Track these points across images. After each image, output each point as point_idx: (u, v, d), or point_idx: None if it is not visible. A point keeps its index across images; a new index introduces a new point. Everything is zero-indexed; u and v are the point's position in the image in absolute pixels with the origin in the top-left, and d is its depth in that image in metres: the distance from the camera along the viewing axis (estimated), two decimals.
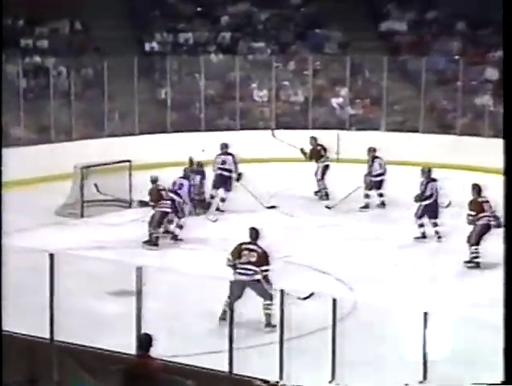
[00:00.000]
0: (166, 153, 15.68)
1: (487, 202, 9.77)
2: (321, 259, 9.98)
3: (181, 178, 11.36)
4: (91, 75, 16.72)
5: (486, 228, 9.66)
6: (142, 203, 11.13)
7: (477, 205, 9.77)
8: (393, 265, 9.94)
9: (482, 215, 9.69)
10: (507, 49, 3.78)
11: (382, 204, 12.59)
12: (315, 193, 13.41)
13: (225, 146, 12.75)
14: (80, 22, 17.86)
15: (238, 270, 7.69)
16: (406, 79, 17.66)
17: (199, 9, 19.02)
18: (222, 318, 7.49)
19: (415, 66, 17.18)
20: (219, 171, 12.52)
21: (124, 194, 12.62)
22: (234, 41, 18.70)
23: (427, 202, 10.77)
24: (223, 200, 12.53)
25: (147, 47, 18.23)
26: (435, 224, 10.85)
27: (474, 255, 9.72)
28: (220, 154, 12.64)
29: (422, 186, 10.85)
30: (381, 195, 12.64)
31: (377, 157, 12.81)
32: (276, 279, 8.22)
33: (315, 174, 13.36)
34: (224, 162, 12.54)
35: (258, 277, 7.62)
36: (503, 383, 3.85)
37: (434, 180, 10.89)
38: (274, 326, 7.13)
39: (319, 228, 11.65)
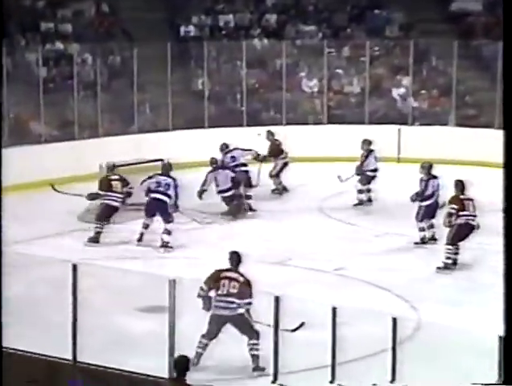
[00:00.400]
0: (202, 151, 15.79)
1: (470, 200, 10.00)
2: (378, 272, 9.94)
3: (166, 176, 11.37)
4: (119, 63, 16.95)
5: (467, 229, 9.88)
6: (91, 196, 11.43)
7: (458, 202, 9.86)
8: (460, 280, 9.84)
9: (462, 213, 9.84)
10: (507, 46, 3.99)
11: (370, 200, 13.07)
12: (273, 191, 13.96)
13: (225, 147, 13.26)
14: (107, 3, 18.15)
15: (217, 303, 7.24)
16: (480, 67, 17.46)
17: None
18: (196, 363, 7.05)
19: (490, 52, 16.94)
20: (233, 171, 12.71)
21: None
22: (281, 24, 18.76)
23: (428, 202, 10.87)
24: (249, 197, 12.81)
25: (182, 31, 18.42)
26: (431, 226, 10.99)
27: (448, 256, 9.95)
28: (226, 153, 13.10)
29: (422, 185, 10.99)
30: (369, 191, 13.12)
31: (372, 150, 13.14)
32: (328, 295, 8.22)
33: (271, 171, 13.90)
34: (234, 159, 13.02)
35: (241, 310, 7.17)
36: (503, 383, 3.95)
37: (435, 177, 11.00)
38: (263, 370, 6.96)
39: (375, 237, 11.61)
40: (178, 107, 16.71)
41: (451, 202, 10.01)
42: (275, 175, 14.03)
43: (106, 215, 11.29)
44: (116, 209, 11.35)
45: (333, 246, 11.10)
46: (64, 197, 12.90)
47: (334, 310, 6.15)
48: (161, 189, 11.22)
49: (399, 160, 14.85)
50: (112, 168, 11.59)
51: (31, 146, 14.70)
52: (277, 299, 6.30)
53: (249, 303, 7.22)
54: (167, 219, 11.08)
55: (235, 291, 7.21)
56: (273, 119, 17.45)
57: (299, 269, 10.11)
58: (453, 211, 9.89)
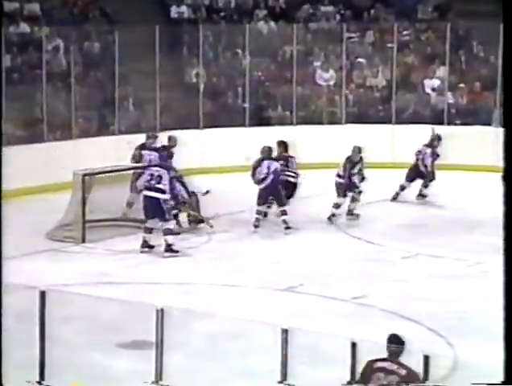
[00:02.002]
0: (197, 156, 15.88)
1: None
2: (405, 301, 9.98)
3: (158, 166, 11.82)
4: (97, 49, 17.06)
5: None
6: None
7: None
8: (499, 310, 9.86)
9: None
10: (507, 45, 4.22)
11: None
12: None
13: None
14: None
15: None
16: None
17: None
18: None
19: None
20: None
21: (139, 211, 12.83)
22: (291, 4, 18.87)
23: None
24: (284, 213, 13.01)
25: (173, 12, 18.56)
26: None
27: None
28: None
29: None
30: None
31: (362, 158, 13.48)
32: (346, 327, 8.26)
33: None
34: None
35: None
36: (503, 383, 4.27)
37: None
38: None
39: (402, 259, 11.66)
40: (167, 103, 16.80)
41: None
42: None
43: None
44: None
45: (352, 269, 11.15)
46: (29, 211, 12.99)
47: (354, 345, 6.20)
48: (153, 183, 11.41)
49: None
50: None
51: None
52: (285, 332, 6.34)
53: None
54: (163, 218, 11.20)
55: None
56: (281, 118, 17.53)
57: (312, 297, 10.16)
58: None
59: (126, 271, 11.11)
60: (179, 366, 7.04)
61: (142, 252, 11.66)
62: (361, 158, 13.40)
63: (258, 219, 12.82)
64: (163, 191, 11.52)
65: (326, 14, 18.71)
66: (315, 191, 14.68)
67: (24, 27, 16.54)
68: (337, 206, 13.28)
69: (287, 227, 12.76)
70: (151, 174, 11.73)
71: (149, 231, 11.72)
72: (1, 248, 5.23)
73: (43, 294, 6.74)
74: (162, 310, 6.55)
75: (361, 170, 13.35)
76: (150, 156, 13.08)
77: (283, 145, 13.50)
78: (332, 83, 17.88)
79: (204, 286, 10.57)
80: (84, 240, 12.22)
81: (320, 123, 17.39)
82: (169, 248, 11.53)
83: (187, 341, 8.03)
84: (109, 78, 16.37)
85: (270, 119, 17.49)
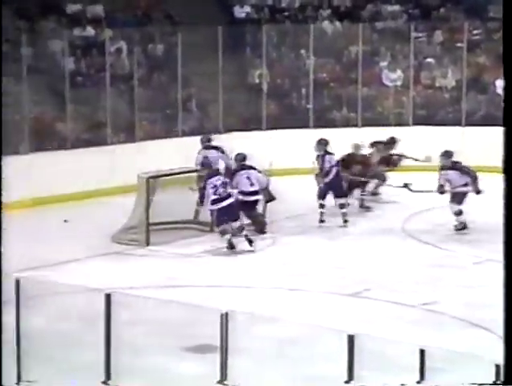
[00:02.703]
0: (260, 158, 15.90)
1: None
2: (476, 307, 9.89)
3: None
4: (160, 52, 17.24)
5: None
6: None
7: None
8: None
9: None
10: (507, 46, 4.21)
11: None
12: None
13: (207, 140, 13.78)
14: None
15: None
16: None
17: None
18: None
19: None
20: None
21: (202, 214, 12.95)
22: (357, 3, 18.83)
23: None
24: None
25: (237, 12, 18.66)
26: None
27: None
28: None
29: None
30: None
31: None
32: (414, 334, 8.21)
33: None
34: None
35: None
36: (503, 383, 4.30)
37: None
38: None
39: (474, 265, 11.56)
40: (230, 104, 16.90)
41: None
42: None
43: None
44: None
45: (420, 275, 11.09)
46: (94, 213, 13.18)
47: (422, 352, 6.18)
48: (221, 191, 12.21)
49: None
50: None
51: (55, 152, 15.01)
52: (351, 339, 6.35)
53: None
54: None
55: None
56: (346, 119, 17.51)
57: (379, 303, 10.12)
58: None
59: (190, 274, 11.23)
60: (243, 370, 7.09)
61: (231, 252, 12.01)
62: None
63: (322, 214, 13.17)
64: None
65: (392, 13, 18.63)
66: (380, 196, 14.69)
67: (88, 30, 16.75)
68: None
69: (345, 221, 13.14)
70: (214, 186, 12.02)
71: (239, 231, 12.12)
72: (1, 249, 5.28)
73: (108, 297, 6.84)
74: (226, 314, 6.61)
75: None
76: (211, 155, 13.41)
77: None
78: (399, 83, 17.79)
79: (269, 290, 10.61)
80: (148, 243, 12.36)
81: (387, 124, 17.30)
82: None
83: (252, 345, 8.07)
84: (172, 80, 16.53)
85: (334, 120, 17.48)
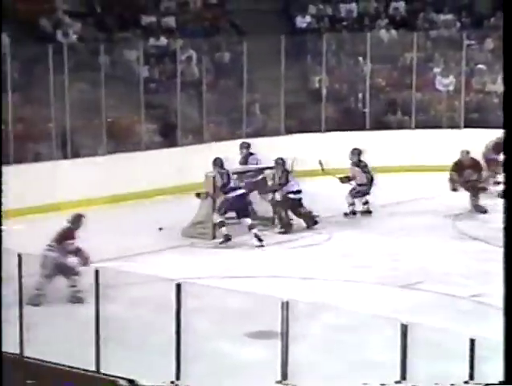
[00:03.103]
0: (318, 158, 15.91)
1: None
2: None
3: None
4: (227, 59, 17.33)
5: None
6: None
7: None
8: None
9: None
10: (507, 46, 4.28)
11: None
12: None
13: (246, 146, 13.81)
14: None
15: None
16: None
17: None
18: None
19: None
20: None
21: (265, 209, 13.03)
22: (412, 12, 18.71)
23: None
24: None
25: (298, 22, 18.68)
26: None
27: None
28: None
29: None
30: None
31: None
32: (464, 324, 8.16)
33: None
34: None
35: None
36: (503, 383, 4.23)
37: None
38: None
39: None
40: (292, 108, 16.92)
41: None
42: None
43: None
44: None
45: (470, 268, 11.00)
46: (165, 209, 13.33)
47: (472, 341, 6.15)
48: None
49: None
50: None
51: (130, 153, 15.18)
52: (404, 327, 6.34)
53: None
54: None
55: None
56: (400, 122, 17.40)
57: (430, 294, 10.08)
58: None
59: (253, 265, 11.30)
60: (303, 356, 7.12)
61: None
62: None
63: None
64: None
65: (446, 21, 18.45)
66: (433, 194, 14.56)
67: (161, 40, 16.92)
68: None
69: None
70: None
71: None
72: (0, 248, 5.30)
73: (178, 286, 6.92)
74: (287, 302, 6.65)
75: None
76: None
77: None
78: (451, 88, 17.63)
79: (327, 281, 10.63)
80: (214, 237, 12.45)
81: (439, 127, 17.16)
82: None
83: (311, 332, 8.11)
84: (237, 85, 16.60)
85: (389, 123, 17.38)
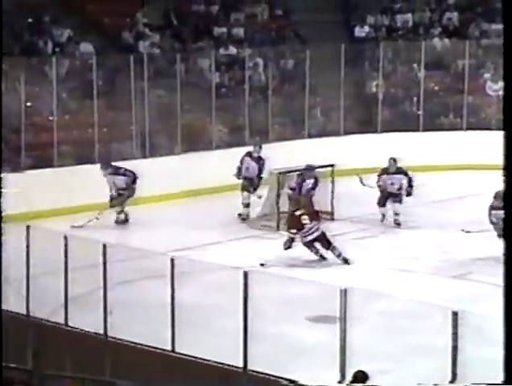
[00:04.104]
0: (375, 157, 15.82)
1: None
2: None
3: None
4: (291, 66, 17.32)
5: None
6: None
7: None
8: None
9: None
10: (507, 47, 3.94)
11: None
12: None
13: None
14: (280, 6, 18.59)
15: None
16: None
17: None
18: None
19: None
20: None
21: (325, 204, 12.99)
22: (464, 22, 18.42)
23: None
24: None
25: (357, 31, 18.54)
26: None
27: None
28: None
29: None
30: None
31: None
32: None
33: None
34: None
35: None
36: (503, 383, 3.97)
37: None
38: None
39: None
40: (350, 110, 16.84)
41: None
42: None
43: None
44: None
45: None
46: (234, 204, 13.41)
47: None
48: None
49: None
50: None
51: (202, 152, 15.27)
52: (455, 314, 6.27)
53: None
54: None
55: None
56: (452, 123, 17.18)
57: (480, 284, 9.92)
58: None
59: (314, 255, 11.27)
60: (361, 339, 7.10)
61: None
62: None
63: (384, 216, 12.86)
64: None
65: (497, 31, 18.11)
66: (482, 191, 14.32)
67: (231, 49, 16.99)
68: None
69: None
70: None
71: None
72: (1, 247, 5.33)
73: (245, 274, 6.97)
74: (345, 290, 6.64)
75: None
76: (249, 164, 13.28)
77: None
78: (501, 93, 17.31)
79: (382, 270, 10.57)
80: (278, 228, 12.46)
81: (489, 129, 16.88)
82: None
83: (367, 318, 8.08)
84: (300, 90, 16.57)
85: (442, 125, 17.17)
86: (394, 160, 12.93)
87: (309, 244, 10.90)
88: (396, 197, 12.74)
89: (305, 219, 10.86)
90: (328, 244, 10.87)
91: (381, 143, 16.19)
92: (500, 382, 4.34)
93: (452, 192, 14.51)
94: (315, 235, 10.87)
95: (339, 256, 10.81)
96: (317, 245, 10.95)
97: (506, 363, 3.91)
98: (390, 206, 12.83)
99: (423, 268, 10.51)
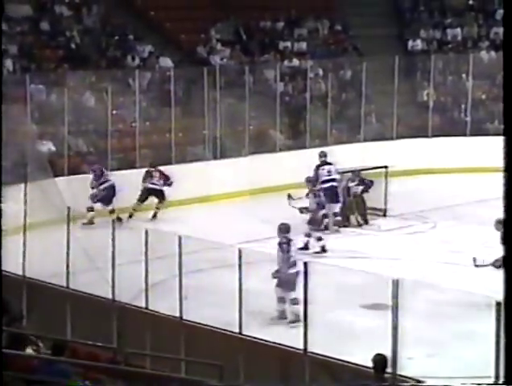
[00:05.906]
0: (425, 160, 15.67)
1: None
2: None
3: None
4: (348, 76, 17.26)
5: None
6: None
7: None
8: None
9: None
10: (507, 45, 3.70)
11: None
12: None
13: (323, 155, 12.62)
14: (340, 21, 18.53)
15: None
16: None
17: (470, 2, 18.69)
18: None
19: None
20: (329, 183, 12.25)
21: (379, 202, 12.90)
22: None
23: None
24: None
25: (410, 45, 18.35)
26: None
27: None
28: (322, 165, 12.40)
29: None
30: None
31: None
32: None
33: None
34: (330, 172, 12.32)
35: None
36: (503, 383, 3.79)
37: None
38: None
39: None
40: (402, 117, 16.69)
41: None
42: None
43: None
44: None
45: None
46: (298, 201, 13.41)
47: None
48: None
49: None
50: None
51: (267, 154, 15.32)
52: (498, 305, 6.16)
53: None
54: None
55: None
56: (497, 129, 16.85)
57: None
58: None
59: (369, 248, 11.24)
60: (410, 325, 7.03)
61: None
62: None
63: None
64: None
65: None
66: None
67: (294, 61, 17.03)
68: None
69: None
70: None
71: None
72: (1, 246, 5.31)
73: (305, 264, 6.98)
74: (397, 280, 6.59)
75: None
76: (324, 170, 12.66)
77: None
78: None
79: (430, 263, 10.45)
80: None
81: None
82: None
83: (416, 306, 7.99)
84: (357, 98, 16.53)
85: (487, 130, 16.87)
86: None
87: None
88: None
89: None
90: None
91: (431, 147, 16.04)
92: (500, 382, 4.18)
93: (495, 192, 14.18)
94: None
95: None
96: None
97: (506, 363, 3.70)
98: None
99: (469, 261, 10.34)
